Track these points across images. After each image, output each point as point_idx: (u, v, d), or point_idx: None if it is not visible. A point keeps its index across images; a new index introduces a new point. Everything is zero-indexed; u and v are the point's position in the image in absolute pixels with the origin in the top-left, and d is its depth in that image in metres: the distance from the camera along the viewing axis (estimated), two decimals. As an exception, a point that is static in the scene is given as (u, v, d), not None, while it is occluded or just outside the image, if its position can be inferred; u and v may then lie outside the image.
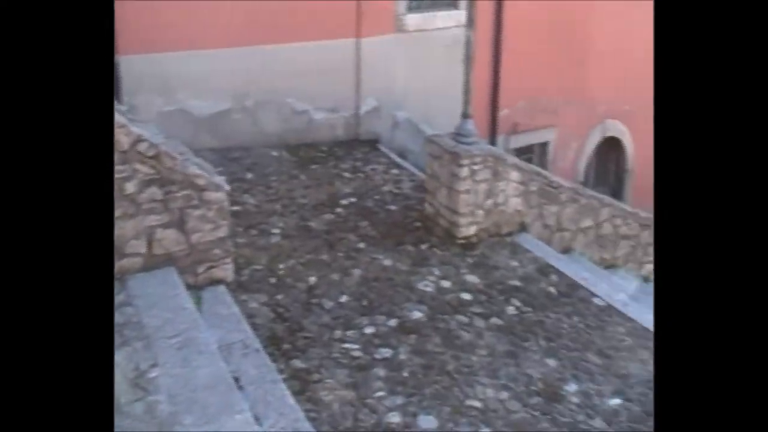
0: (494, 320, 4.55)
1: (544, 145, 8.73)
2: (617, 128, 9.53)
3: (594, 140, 9.27)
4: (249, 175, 6.38)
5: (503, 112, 8.48)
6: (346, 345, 4.05)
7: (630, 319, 4.81)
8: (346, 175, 6.56)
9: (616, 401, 3.96)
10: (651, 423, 3.81)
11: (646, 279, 6.50)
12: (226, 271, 4.30)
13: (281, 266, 4.84)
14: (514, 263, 5.32)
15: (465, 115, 5.64)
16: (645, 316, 4.93)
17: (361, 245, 5.26)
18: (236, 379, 3.29)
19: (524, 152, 8.47)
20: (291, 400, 3.34)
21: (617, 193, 9.34)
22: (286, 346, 3.95)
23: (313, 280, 4.72)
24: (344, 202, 5.98)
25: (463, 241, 5.44)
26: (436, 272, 5.00)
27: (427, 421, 3.56)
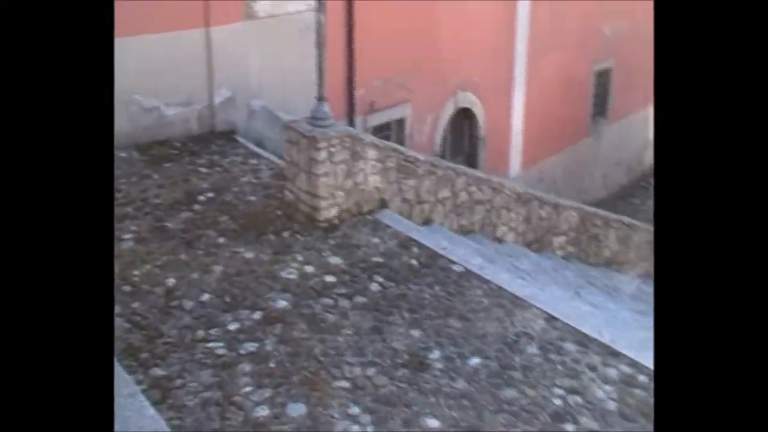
0: (359, 299, 4.56)
1: (400, 121, 8.83)
2: (469, 99, 9.81)
3: (448, 112, 9.49)
4: (98, 180, 5.96)
5: (359, 92, 8.48)
6: (210, 344, 3.91)
7: (486, 281, 5.00)
8: (203, 170, 6.30)
9: (476, 361, 4.10)
10: (507, 375, 3.99)
11: (499, 240, 6.77)
12: (74, 285, 3.99)
13: (136, 272, 4.57)
14: (376, 240, 5.35)
15: (320, 98, 5.57)
16: (499, 276, 5.14)
17: (222, 240, 5.08)
18: (88, 399, 3.07)
19: (382, 130, 8.52)
20: (151, 410, 3.19)
21: (472, 160, 9.66)
22: (144, 356, 3.75)
23: (171, 282, 4.51)
24: (202, 198, 5.74)
25: (324, 224, 5.40)
26: (299, 258, 4.93)
27: (295, 409, 3.52)
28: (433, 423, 3.55)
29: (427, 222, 6.15)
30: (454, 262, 5.19)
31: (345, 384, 3.75)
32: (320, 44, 5.46)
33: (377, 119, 8.60)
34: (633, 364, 4.26)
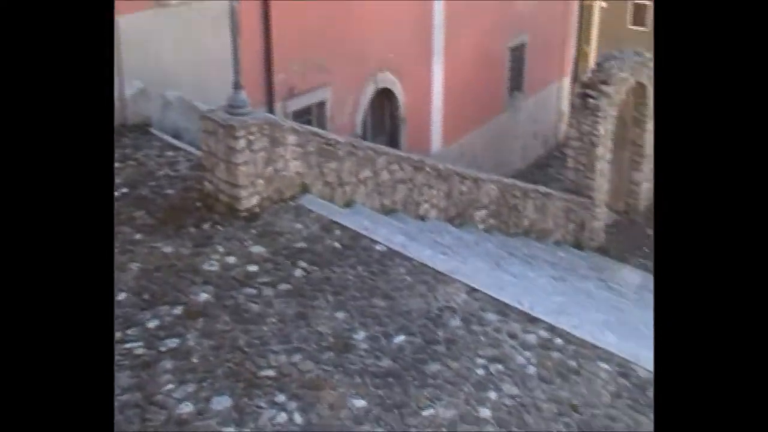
0: (283, 286, 4.47)
1: (321, 105, 8.67)
2: (388, 79, 9.74)
3: (368, 93, 9.40)
4: None
5: (279, 78, 8.26)
6: (128, 345, 3.74)
7: (409, 259, 5.00)
8: (116, 164, 6.00)
9: (400, 338, 4.10)
10: (431, 350, 4.00)
11: (422, 217, 6.78)
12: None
13: (47, 276, 4.33)
14: (299, 226, 5.25)
15: (236, 86, 5.39)
16: (422, 253, 5.14)
17: (138, 236, 4.86)
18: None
19: (303, 114, 8.36)
20: (65, 419, 3.01)
21: (394, 139, 9.63)
22: (57, 362, 3.55)
23: (85, 283, 4.28)
24: (115, 194, 5.47)
25: (246, 214, 5.25)
26: (221, 250, 4.78)
27: (220, 402, 3.42)
28: (360, 403, 3.53)
29: (349, 204, 6.08)
30: (377, 242, 5.16)
31: (271, 373, 3.67)
32: (235, 30, 5.27)
33: (297, 104, 8.42)
34: (550, 328, 4.36)
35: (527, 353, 4.09)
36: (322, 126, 8.12)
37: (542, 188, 8.74)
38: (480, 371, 3.88)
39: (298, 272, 4.64)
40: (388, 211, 6.42)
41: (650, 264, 9.07)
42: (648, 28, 17.09)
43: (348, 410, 3.47)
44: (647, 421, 3.61)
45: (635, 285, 7.98)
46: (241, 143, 5.23)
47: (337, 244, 5.07)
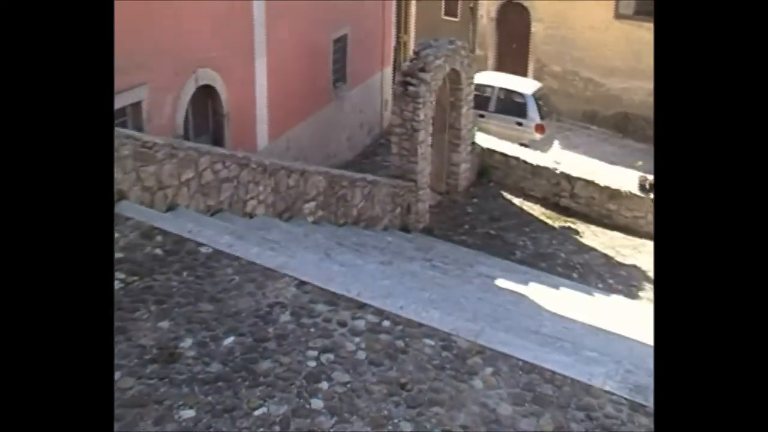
0: (99, 301, 4.15)
1: (137, 105, 8.13)
2: (209, 75, 9.37)
3: (189, 91, 8.98)
4: None
5: (86, 77, 7.60)
6: None
7: (236, 258, 4.88)
8: None
9: (230, 340, 3.99)
10: (261, 348, 3.94)
11: (249, 215, 6.66)
12: None
13: None
14: (115, 235, 4.90)
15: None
16: (249, 251, 5.04)
17: None
18: None
19: (117, 116, 7.77)
20: None
21: (218, 138, 9.31)
22: None
23: None
24: None
25: (53, 227, 4.80)
26: (24, 269, 4.33)
27: (28, 437, 3.10)
28: (188, 413, 3.39)
29: (171, 207, 5.80)
30: (202, 244, 4.98)
31: (87, 396, 3.40)
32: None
33: (110, 105, 7.83)
34: (378, 312, 4.47)
35: (357, 339, 4.17)
36: (138, 128, 7.62)
37: (369, 176, 8.95)
38: (311, 363, 3.90)
39: (115, 284, 4.34)
40: (213, 212, 6.22)
41: (469, 239, 9.68)
42: (458, 18, 18.08)
43: (175, 423, 3.31)
44: (467, 387, 3.85)
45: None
46: (43, 151, 4.77)
47: (158, 251, 4.81)
